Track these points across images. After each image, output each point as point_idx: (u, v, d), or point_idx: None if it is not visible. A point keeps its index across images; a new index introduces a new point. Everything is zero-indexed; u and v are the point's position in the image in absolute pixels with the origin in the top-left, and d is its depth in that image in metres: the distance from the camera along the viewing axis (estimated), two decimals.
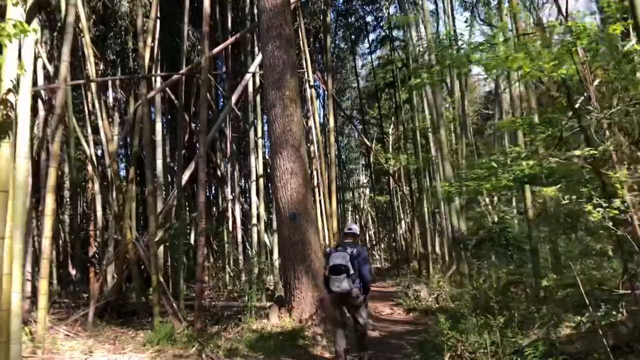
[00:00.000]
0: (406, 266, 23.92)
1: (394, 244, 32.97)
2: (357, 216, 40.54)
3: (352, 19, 24.47)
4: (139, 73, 9.97)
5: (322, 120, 17.62)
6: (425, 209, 19.50)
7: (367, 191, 39.71)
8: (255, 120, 13.02)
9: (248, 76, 11.86)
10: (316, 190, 13.96)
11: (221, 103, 17.61)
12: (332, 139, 12.40)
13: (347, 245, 6.58)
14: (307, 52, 11.99)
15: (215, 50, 10.22)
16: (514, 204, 12.11)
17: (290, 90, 9.05)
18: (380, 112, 25.39)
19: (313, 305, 8.45)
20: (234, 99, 11.45)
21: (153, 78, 11.78)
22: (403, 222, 31.64)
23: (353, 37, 25.49)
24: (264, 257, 13.07)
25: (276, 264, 12.88)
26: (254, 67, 11.81)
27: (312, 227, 8.81)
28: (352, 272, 6.32)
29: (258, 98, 12.83)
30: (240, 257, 14.35)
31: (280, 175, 8.85)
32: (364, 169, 38.80)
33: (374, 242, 35.42)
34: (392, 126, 31.86)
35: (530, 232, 8.43)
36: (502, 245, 8.60)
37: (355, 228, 7.00)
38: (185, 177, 11.35)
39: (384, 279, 23.71)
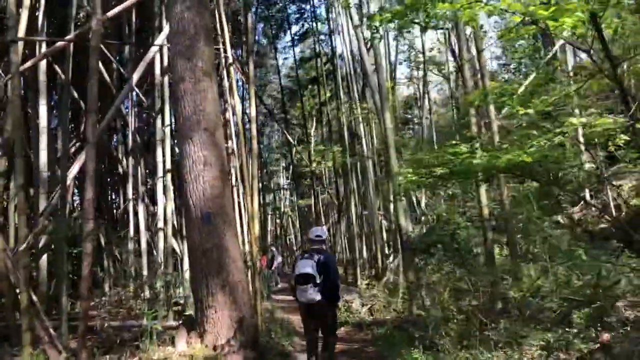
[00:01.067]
0: None
1: None
2: (277, 220, 38.99)
3: (274, 10, 22.97)
4: (6, 36, 7.84)
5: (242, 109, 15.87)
6: (353, 212, 18.26)
7: (288, 194, 38.30)
8: (163, 106, 11.09)
9: (153, 50, 9.88)
10: (234, 189, 12.25)
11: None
12: (254, 130, 10.75)
13: (314, 252, 6.27)
14: (225, 22, 10.22)
15: (112, 12, 8.25)
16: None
17: (204, 61, 7.30)
18: (303, 109, 23.95)
19: (231, 327, 6.73)
20: (135, 77, 9.47)
21: (35, 45, 9.55)
22: (328, 224, 30.42)
23: (274, 30, 23.97)
24: (172, 267, 11.13)
25: (187, 274, 11.01)
26: (161, 39, 9.84)
27: (230, 230, 7.10)
28: (318, 281, 6.01)
29: (166, 79, 10.91)
30: (145, 267, 12.29)
31: (190, 165, 7.06)
32: (284, 171, 37.36)
33: (295, 248, 33.95)
34: (313, 126, 30.61)
35: (485, 234, 7.24)
36: (454, 250, 7.41)
37: (323, 232, 6.70)
38: (74, 170, 9.25)
39: None
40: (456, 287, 7.70)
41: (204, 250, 6.84)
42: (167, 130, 11.25)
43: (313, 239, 6.57)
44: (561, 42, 9.64)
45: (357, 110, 16.48)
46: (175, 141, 12.28)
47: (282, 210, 37.50)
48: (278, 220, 38.17)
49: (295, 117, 30.06)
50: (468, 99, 6.19)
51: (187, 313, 9.66)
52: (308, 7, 23.15)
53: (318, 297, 6.07)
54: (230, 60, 10.11)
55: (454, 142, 5.09)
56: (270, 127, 33.61)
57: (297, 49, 25.63)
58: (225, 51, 10.16)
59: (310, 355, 6.50)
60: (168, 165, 11.18)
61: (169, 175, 11.17)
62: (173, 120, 12.39)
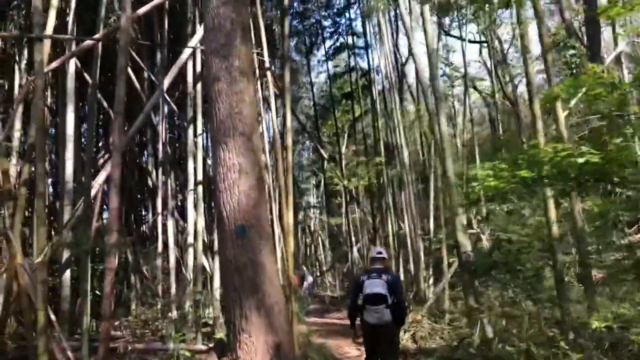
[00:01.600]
0: None
1: (345, 270, 30.84)
2: (306, 239, 38.23)
3: (307, 24, 22.53)
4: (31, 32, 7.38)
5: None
6: (390, 230, 17.40)
7: (318, 213, 37.56)
8: (195, 116, 10.53)
9: (186, 53, 9.37)
10: (268, 201, 11.57)
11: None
12: (290, 141, 10.09)
13: (379, 271, 6.05)
14: (262, 24, 9.64)
15: (142, 10, 7.73)
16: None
17: (241, 60, 6.68)
18: (336, 125, 23.30)
19: (267, 354, 5.98)
20: (166, 82, 8.96)
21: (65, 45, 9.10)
22: (359, 244, 29.54)
23: (307, 45, 23.52)
24: (201, 285, 10.46)
25: (217, 293, 10.32)
26: (194, 41, 9.31)
27: (267, 245, 6.40)
28: (390, 301, 5.78)
29: (199, 87, 10.37)
30: (174, 285, 11.64)
31: (224, 173, 6.41)
32: (314, 189, 36.67)
33: (326, 268, 33.07)
34: (345, 144, 29.94)
35: (554, 256, 6.35)
36: (517, 272, 6.55)
37: (385, 252, 6.46)
38: (100, 179, 8.72)
39: (339, 308, 21.41)
40: (519, 314, 6.83)
41: (237, 267, 6.15)
42: (200, 140, 10.68)
43: (376, 257, 6.37)
44: None
45: (397, 118, 15.68)
46: (208, 152, 11.72)
47: (312, 229, 36.74)
48: (308, 240, 37.37)
49: (327, 135, 29.47)
50: (551, 94, 5.37)
51: (217, 336, 8.95)
52: (343, 20, 22.61)
53: (390, 318, 5.83)
54: (267, 64, 9.53)
55: (532, 143, 4.35)
56: (302, 144, 33.07)
57: (331, 64, 25.08)
58: (261, 55, 9.59)
59: None
60: (199, 178, 10.58)
61: (200, 188, 10.56)
62: (205, 131, 11.89)
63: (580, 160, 3.61)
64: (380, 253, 6.40)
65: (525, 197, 7.45)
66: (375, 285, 5.91)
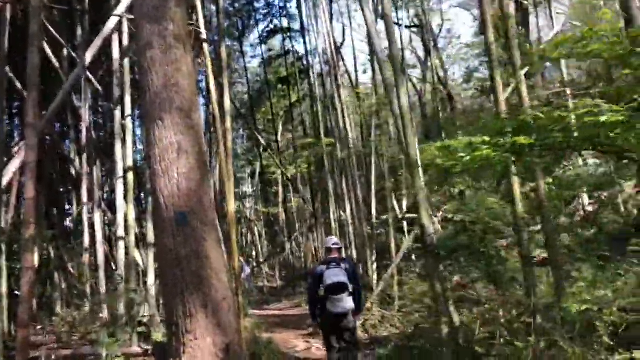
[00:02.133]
0: (305, 282, 21.26)
1: (282, 260, 30.34)
2: (242, 230, 37.32)
3: (240, 4, 21.59)
4: None
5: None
6: (332, 216, 16.96)
7: (253, 202, 36.69)
8: (123, 95, 9.54)
9: (112, 23, 8.36)
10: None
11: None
12: (229, 123, 9.36)
13: (337, 261, 6.08)
14: None
15: None
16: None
17: (176, 24, 5.86)
18: (272, 110, 22.56)
19: (215, 357, 5.32)
20: (89, 56, 7.95)
21: None
22: (296, 233, 29.03)
23: (240, 26, 22.58)
24: (135, 282, 9.55)
25: (152, 290, 9.45)
26: (121, 8, 8.30)
27: (212, 233, 5.67)
28: (351, 289, 5.90)
29: (127, 62, 9.38)
30: (103, 283, 10.62)
31: (160, 154, 5.59)
32: (250, 178, 35.74)
33: (263, 259, 32.39)
34: (281, 130, 29.24)
35: (519, 234, 6.03)
36: (481, 255, 6.21)
37: (338, 240, 6.62)
38: (14, 166, 7.65)
39: (279, 299, 20.85)
40: (483, 299, 6.50)
41: (179, 259, 5.38)
42: (128, 122, 9.71)
43: (332, 247, 6.32)
44: None
45: (337, 102, 15.16)
46: (139, 135, 10.74)
47: (248, 219, 35.87)
48: (244, 230, 36.45)
49: (263, 122, 28.65)
50: (535, 52, 5.00)
51: (154, 336, 8.15)
52: (276, 2, 21.87)
53: (352, 305, 5.95)
54: (204, 36, 8.69)
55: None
56: (236, 132, 32.08)
57: (265, 48, 24.22)
58: (197, 26, 8.71)
59: None
60: (129, 164, 9.63)
61: (130, 175, 9.60)
62: (134, 114, 10.89)
63: (608, 118, 3.17)
64: (336, 244, 6.41)
65: (481, 177, 7.17)
66: (336, 275, 5.91)
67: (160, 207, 5.57)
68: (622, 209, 10.71)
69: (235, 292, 7.80)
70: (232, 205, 9.18)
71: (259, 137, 20.51)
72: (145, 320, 9.41)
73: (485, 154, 3.61)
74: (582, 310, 4.73)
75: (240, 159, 33.30)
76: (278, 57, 22.58)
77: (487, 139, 3.73)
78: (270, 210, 29.05)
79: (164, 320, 6.82)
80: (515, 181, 6.01)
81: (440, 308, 5.66)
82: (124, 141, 9.73)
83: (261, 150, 25.38)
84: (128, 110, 9.53)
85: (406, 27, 21.69)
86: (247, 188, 36.10)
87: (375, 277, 12.16)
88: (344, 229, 17.41)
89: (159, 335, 7.93)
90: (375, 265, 13.05)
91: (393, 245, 11.47)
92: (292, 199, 32.66)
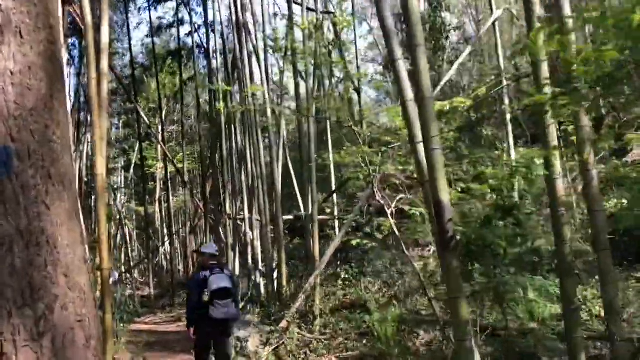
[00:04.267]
0: (184, 292, 18.16)
1: (157, 264, 26.77)
2: (110, 230, 32.87)
3: None
4: None
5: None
6: (227, 214, 14.29)
7: (125, 199, 32.47)
8: None
9: None
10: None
11: None
12: (105, 39, 6.62)
13: (219, 267, 6.14)
14: None
15: None
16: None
17: None
18: (159, 89, 19.27)
19: None
20: None
21: None
22: (175, 236, 25.65)
23: None
24: None
25: None
26: None
27: (63, 199, 2.91)
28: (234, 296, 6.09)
29: None
30: None
31: None
32: (122, 171, 31.55)
33: (134, 264, 28.43)
34: (164, 114, 25.77)
35: (561, 230, 3.99)
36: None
37: (217, 249, 6.60)
38: None
39: (153, 311, 17.56)
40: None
41: None
42: None
43: (213, 253, 6.32)
44: None
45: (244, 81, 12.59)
46: None
47: (119, 218, 31.62)
48: (113, 230, 32.10)
49: (145, 106, 25.01)
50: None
51: None
52: None
53: (235, 311, 6.09)
54: None
55: None
56: (112, 113, 27.98)
57: (155, 15, 20.83)
58: None
59: None
60: None
61: None
62: None
63: None
64: (217, 250, 6.45)
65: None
66: (222, 280, 5.94)
67: None
68: None
69: (102, 306, 5.03)
70: (102, 168, 6.31)
71: (142, 117, 17.09)
72: None
73: None
74: None
75: (114, 147, 29.23)
76: (170, 27, 19.36)
77: None
78: (145, 209, 25.28)
79: None
80: (556, 157, 3.98)
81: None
82: None
83: (141, 137, 21.93)
84: None
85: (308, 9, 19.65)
86: (119, 181, 31.81)
87: (289, 288, 9.75)
88: (239, 229, 14.85)
89: None
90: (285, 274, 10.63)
91: (317, 246, 9.10)
92: (171, 197, 29.19)
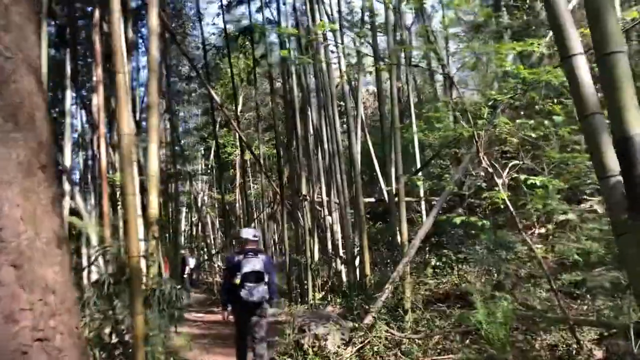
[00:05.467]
0: None
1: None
2: (192, 218, 33.17)
3: None
4: None
5: None
6: (306, 199, 13.36)
7: (206, 187, 32.57)
8: None
9: None
10: None
11: None
12: (155, 45, 5.72)
13: (254, 251, 6.16)
14: None
15: None
16: None
17: None
18: (232, 72, 18.59)
19: None
20: None
21: None
22: (254, 223, 25.15)
23: None
24: None
25: None
26: None
27: (13, 139, 1.95)
28: (266, 279, 6.00)
29: None
30: None
31: None
32: (203, 159, 31.57)
33: (215, 251, 28.38)
34: (241, 101, 25.25)
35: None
36: None
37: (257, 234, 6.70)
38: None
39: None
40: None
41: None
42: None
43: (250, 239, 6.29)
44: None
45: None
46: None
47: (200, 206, 31.78)
48: (194, 218, 32.35)
49: (221, 93, 24.61)
50: None
51: None
52: None
53: (266, 295, 6.02)
54: None
55: None
56: (186, 107, 27.97)
57: None
58: None
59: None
60: None
61: None
62: None
63: None
64: (255, 236, 6.44)
65: None
66: (253, 264, 5.97)
67: None
68: None
69: (131, 305, 4.07)
70: (154, 154, 5.44)
71: (215, 99, 16.40)
72: None
73: None
74: None
75: (193, 135, 29.20)
76: (239, 3, 18.52)
77: None
78: (222, 197, 24.80)
79: None
80: None
81: None
82: None
83: (215, 123, 21.49)
84: None
85: None
86: (199, 168, 31.85)
87: (373, 278, 8.59)
88: (317, 214, 13.88)
89: None
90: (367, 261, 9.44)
91: (405, 230, 7.79)
92: (251, 184, 28.83)
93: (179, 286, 5.82)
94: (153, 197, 5.41)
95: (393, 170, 8.97)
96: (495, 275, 7.56)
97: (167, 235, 20.53)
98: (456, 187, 7.05)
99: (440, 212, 7.63)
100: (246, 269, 5.90)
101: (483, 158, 5.30)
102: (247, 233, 6.42)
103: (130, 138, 4.25)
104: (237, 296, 5.90)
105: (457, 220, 5.59)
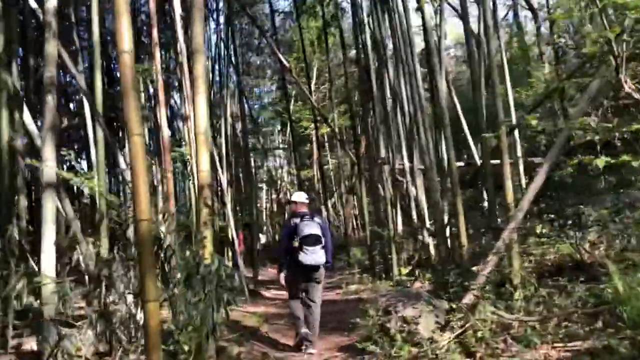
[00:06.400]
0: (344, 255, 16.63)
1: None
2: (272, 196, 32.90)
3: None
4: None
5: None
6: (387, 169, 12.24)
7: (285, 163, 32.07)
8: None
9: None
10: None
11: None
12: None
13: (309, 214, 6.25)
14: None
15: None
16: None
17: None
18: (302, 40, 17.61)
19: None
20: None
21: None
22: (333, 199, 24.35)
23: None
24: None
25: None
26: None
27: None
28: (323, 242, 6.06)
29: None
30: None
31: None
32: (279, 134, 31.04)
33: None
34: (315, 74, 24.30)
35: None
36: None
37: (308, 197, 6.79)
38: None
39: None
40: None
41: None
42: None
43: (303, 201, 6.44)
44: None
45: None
46: None
47: (279, 183, 31.39)
48: (275, 196, 32.03)
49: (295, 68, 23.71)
50: None
51: None
52: None
53: (324, 259, 6.06)
54: None
55: None
56: (260, 81, 27.35)
57: None
58: None
59: (300, 320, 6.19)
60: None
61: None
62: None
63: None
64: (307, 198, 6.54)
65: None
66: (311, 227, 6.02)
67: None
68: None
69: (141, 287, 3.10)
70: (203, 115, 4.53)
71: (281, 57, 15.40)
72: None
73: None
74: None
75: (269, 111, 28.62)
76: None
77: None
78: (298, 171, 23.98)
79: None
80: None
81: None
82: None
83: (288, 96, 20.66)
84: None
85: None
86: (276, 143, 31.32)
87: (467, 248, 7.35)
88: (399, 185, 12.70)
89: None
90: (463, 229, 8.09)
91: (510, 188, 6.39)
92: (329, 159, 27.97)
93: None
94: (203, 157, 4.53)
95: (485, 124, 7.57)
96: (626, 242, 6.08)
97: (244, 210, 20.11)
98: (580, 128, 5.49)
99: (554, 165, 6.19)
100: (303, 232, 5.96)
101: (625, 81, 3.87)
102: (299, 197, 6.53)
103: (129, 57, 3.27)
104: (295, 259, 5.97)
105: (600, 163, 4.14)
